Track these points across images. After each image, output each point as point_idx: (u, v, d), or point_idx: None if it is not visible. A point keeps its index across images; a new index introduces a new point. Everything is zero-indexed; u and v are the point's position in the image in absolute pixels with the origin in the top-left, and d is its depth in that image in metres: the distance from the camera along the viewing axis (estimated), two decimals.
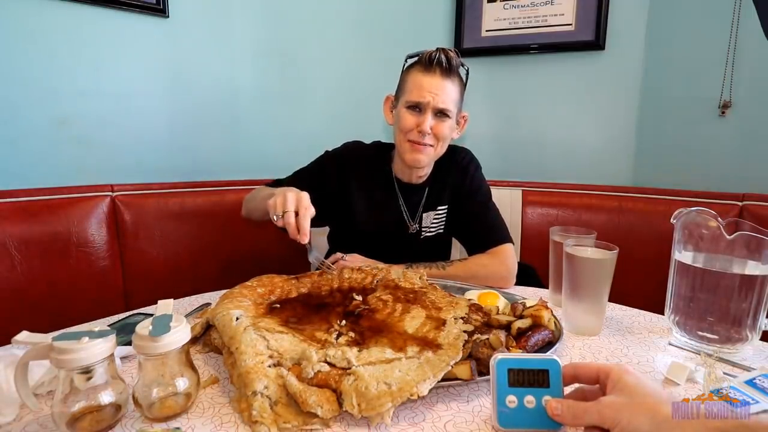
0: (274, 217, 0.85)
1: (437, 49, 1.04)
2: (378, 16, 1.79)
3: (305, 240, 0.84)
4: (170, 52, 1.49)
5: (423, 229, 1.18)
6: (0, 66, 1.22)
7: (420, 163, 1.09)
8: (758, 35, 1.40)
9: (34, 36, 1.25)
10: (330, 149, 1.21)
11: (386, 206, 1.17)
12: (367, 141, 1.24)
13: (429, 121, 1.04)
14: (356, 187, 1.15)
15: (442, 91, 1.03)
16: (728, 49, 1.45)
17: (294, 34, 1.71)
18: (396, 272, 0.89)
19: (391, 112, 1.15)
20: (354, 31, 1.79)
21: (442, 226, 1.19)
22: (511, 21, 1.74)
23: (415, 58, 1.08)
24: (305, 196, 0.87)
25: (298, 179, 1.15)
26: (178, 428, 0.51)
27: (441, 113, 1.05)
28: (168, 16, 1.45)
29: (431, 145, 1.07)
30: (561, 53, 1.70)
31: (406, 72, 1.09)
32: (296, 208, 0.85)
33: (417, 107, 1.05)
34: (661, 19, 1.57)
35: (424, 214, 1.17)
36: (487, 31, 1.78)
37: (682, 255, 0.77)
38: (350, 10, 1.77)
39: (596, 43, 1.62)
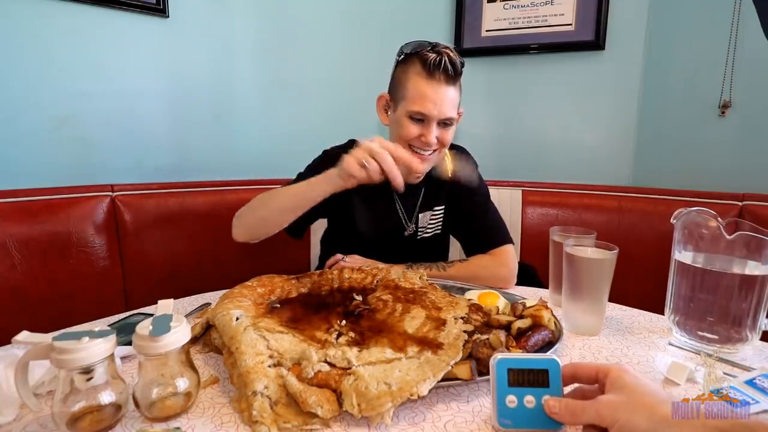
0: (364, 164, 0.81)
1: (439, 51, 0.96)
2: (378, 16, 1.79)
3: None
4: (170, 52, 1.49)
5: (420, 230, 1.16)
6: (0, 66, 1.22)
7: (423, 172, 1.08)
8: (758, 35, 1.41)
9: (34, 36, 1.25)
10: (328, 148, 1.17)
11: (383, 208, 1.15)
12: (366, 139, 1.22)
13: (434, 132, 1.00)
14: (354, 191, 1.11)
15: (447, 99, 0.98)
16: (728, 49, 1.45)
17: (294, 34, 1.71)
18: (396, 272, 0.89)
19: (386, 111, 1.08)
20: (354, 32, 1.79)
21: (440, 227, 1.18)
22: (511, 21, 1.74)
23: (414, 55, 0.99)
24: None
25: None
26: (178, 428, 0.51)
27: (446, 120, 1.01)
28: (168, 16, 1.45)
29: (435, 150, 1.04)
30: (561, 53, 1.70)
31: (403, 71, 1.01)
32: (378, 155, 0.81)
33: (420, 117, 1.00)
34: (661, 19, 1.57)
35: (421, 215, 1.15)
36: (487, 31, 1.78)
37: (682, 255, 0.77)
38: (350, 10, 1.77)
39: (596, 43, 1.62)
